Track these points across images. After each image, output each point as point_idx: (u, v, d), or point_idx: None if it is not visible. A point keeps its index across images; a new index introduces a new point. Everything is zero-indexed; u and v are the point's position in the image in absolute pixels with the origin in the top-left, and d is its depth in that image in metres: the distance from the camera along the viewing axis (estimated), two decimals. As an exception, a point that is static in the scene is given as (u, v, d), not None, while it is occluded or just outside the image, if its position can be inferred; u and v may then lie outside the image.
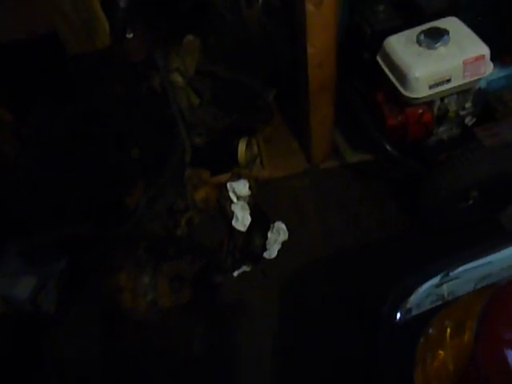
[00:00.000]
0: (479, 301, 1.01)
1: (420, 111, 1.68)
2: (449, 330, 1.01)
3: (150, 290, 1.73)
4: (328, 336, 1.76)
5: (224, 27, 1.83)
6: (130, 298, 1.69)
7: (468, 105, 1.73)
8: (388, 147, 1.78)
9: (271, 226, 2.00)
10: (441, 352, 1.00)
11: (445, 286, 1.16)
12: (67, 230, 1.65)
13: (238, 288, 1.92)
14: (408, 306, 1.16)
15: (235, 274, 1.93)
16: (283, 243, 1.99)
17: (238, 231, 1.93)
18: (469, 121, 1.79)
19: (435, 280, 1.16)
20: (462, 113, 1.75)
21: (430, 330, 1.03)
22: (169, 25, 1.73)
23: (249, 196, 1.98)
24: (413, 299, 1.17)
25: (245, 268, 1.94)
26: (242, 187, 1.96)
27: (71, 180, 1.60)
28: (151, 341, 1.82)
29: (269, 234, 1.96)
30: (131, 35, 1.60)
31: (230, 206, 1.95)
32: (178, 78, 1.75)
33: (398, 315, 1.15)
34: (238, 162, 2.12)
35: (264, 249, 1.95)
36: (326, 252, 1.98)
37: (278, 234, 1.98)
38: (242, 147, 2.10)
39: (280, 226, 2.01)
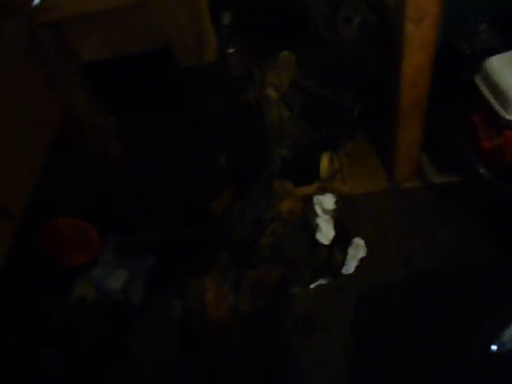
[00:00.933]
0: None
1: (522, 135, 1.62)
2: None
3: (232, 294, 1.80)
4: (405, 355, 1.70)
5: (320, 43, 1.87)
6: (213, 300, 1.77)
7: None
8: (482, 170, 1.73)
9: (351, 241, 2.00)
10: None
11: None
12: (164, 230, 1.76)
13: (313, 300, 1.93)
14: (503, 339, 1.14)
15: (312, 286, 1.95)
16: (361, 259, 1.98)
17: (321, 244, 1.95)
18: None
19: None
20: None
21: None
22: (267, 40, 1.80)
23: (333, 210, 2.00)
24: (507, 333, 1.14)
25: (322, 281, 1.95)
26: (328, 201, 1.97)
27: (173, 182, 1.71)
28: (227, 342, 1.88)
29: (349, 250, 1.96)
30: (232, 50, 1.69)
31: (314, 219, 1.98)
32: (272, 93, 1.82)
33: (495, 347, 1.12)
34: (319, 176, 2.14)
35: (343, 264, 1.95)
36: (405, 271, 1.94)
37: (357, 250, 1.97)
38: (324, 161, 2.12)
39: (359, 242, 2.00)
